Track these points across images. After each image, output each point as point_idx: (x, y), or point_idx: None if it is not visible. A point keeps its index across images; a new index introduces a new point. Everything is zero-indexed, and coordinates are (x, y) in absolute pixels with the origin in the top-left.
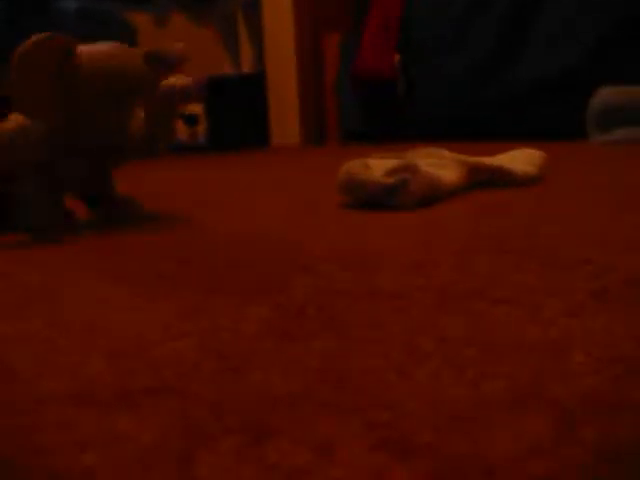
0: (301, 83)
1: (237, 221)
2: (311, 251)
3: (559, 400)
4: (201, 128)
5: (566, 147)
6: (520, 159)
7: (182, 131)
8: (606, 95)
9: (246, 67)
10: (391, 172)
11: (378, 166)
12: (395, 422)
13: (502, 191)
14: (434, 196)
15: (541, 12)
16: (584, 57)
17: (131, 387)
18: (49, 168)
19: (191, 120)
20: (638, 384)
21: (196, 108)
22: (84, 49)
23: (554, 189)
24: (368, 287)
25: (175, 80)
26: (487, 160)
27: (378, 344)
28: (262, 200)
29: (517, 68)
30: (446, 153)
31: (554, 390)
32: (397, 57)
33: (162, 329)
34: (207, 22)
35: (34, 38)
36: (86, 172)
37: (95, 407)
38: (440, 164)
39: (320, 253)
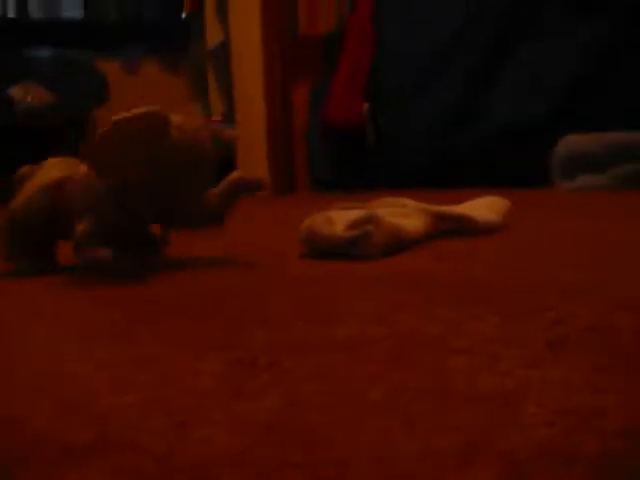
0: (270, 131)
1: (205, 270)
2: (270, 303)
3: (510, 452)
4: None
5: (531, 194)
6: (484, 207)
7: None
8: (570, 142)
9: (216, 115)
10: (353, 224)
11: (340, 218)
12: (341, 479)
13: (465, 239)
14: (397, 245)
15: (507, 62)
16: (550, 106)
17: (77, 442)
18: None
19: None
20: (592, 436)
21: None
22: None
23: (517, 237)
24: (324, 339)
25: (244, 175)
26: (450, 208)
27: (328, 398)
28: (233, 247)
29: (484, 117)
30: (409, 202)
31: (506, 442)
32: (366, 106)
33: (111, 381)
34: (177, 70)
35: (136, 112)
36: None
37: (40, 464)
38: (403, 213)
39: (279, 305)
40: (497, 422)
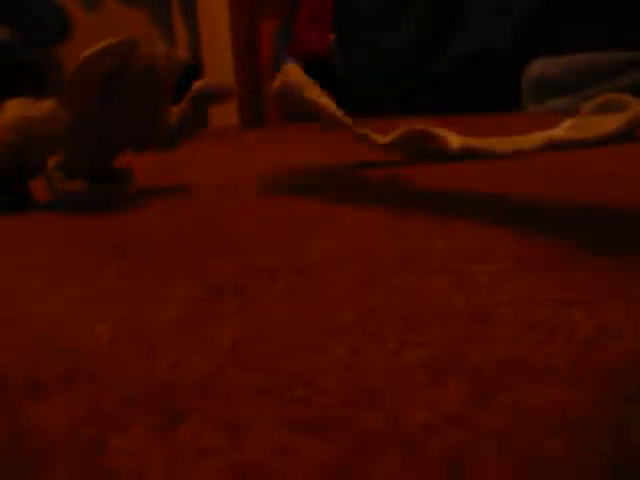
0: (237, 66)
1: (170, 201)
2: (235, 229)
3: (479, 366)
4: None
5: (501, 118)
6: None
7: None
8: (539, 66)
9: (181, 51)
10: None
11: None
12: (309, 399)
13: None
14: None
15: None
16: (517, 30)
17: (41, 376)
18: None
19: None
20: (561, 348)
21: None
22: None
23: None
24: (290, 263)
25: (208, 81)
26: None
27: (295, 321)
28: (197, 177)
29: (452, 44)
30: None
31: (475, 356)
32: (332, 36)
33: (77, 316)
34: (141, 6)
35: (104, 45)
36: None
37: (3, 398)
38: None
39: (243, 231)
40: (466, 337)
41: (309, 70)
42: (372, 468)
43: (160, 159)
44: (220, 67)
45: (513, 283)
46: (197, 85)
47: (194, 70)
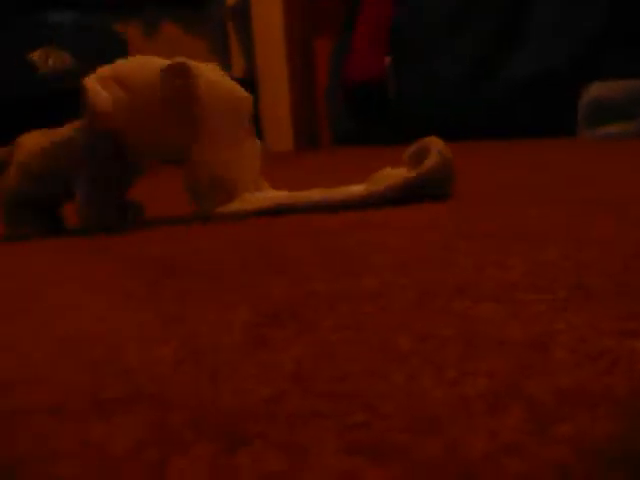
0: (292, 88)
1: (221, 227)
2: (291, 255)
3: (538, 397)
4: None
5: (555, 143)
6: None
7: None
8: (595, 91)
9: (237, 73)
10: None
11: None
12: (370, 424)
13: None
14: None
15: (530, 13)
16: (574, 54)
17: (105, 396)
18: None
19: None
20: (620, 378)
21: None
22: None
23: (538, 184)
24: (347, 290)
25: None
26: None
27: (354, 347)
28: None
29: (507, 68)
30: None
31: (533, 387)
32: (387, 59)
33: (139, 338)
34: (197, 30)
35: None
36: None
37: (69, 417)
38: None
39: (301, 255)
40: (524, 367)
41: (362, 94)
42: None
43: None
44: (275, 90)
45: (570, 312)
46: None
47: (249, 89)
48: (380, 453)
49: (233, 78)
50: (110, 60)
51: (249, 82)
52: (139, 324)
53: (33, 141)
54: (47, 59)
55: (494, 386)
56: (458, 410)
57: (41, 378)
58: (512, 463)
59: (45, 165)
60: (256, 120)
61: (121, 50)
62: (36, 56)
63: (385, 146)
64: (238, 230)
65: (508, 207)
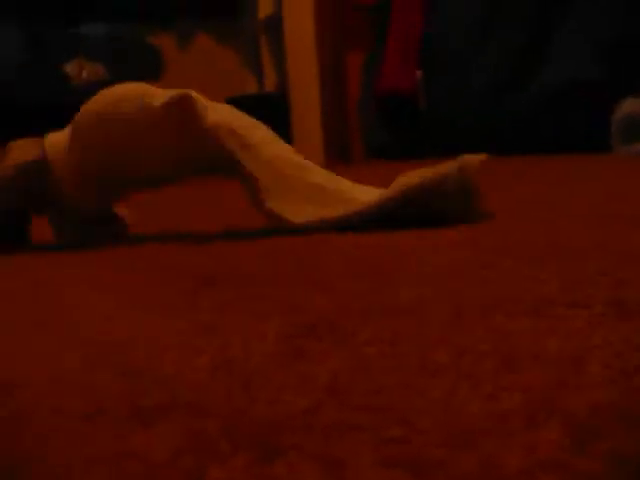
0: (324, 101)
1: (255, 238)
2: (327, 267)
3: (575, 412)
4: None
5: (588, 160)
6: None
7: None
8: (630, 106)
9: (269, 86)
10: None
11: None
12: (407, 439)
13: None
14: None
15: (562, 24)
16: (606, 67)
17: (143, 404)
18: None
19: None
20: None
21: None
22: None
23: (573, 199)
24: (382, 303)
25: None
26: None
27: (390, 360)
28: None
29: (538, 81)
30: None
31: (570, 402)
32: (419, 73)
33: (175, 346)
34: (230, 42)
35: (170, 95)
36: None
37: (106, 424)
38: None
39: (336, 269)
40: (561, 382)
41: (394, 107)
42: None
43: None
44: (307, 103)
45: (607, 328)
46: None
47: (281, 103)
48: (417, 467)
49: (265, 92)
50: (143, 71)
51: (281, 95)
52: (175, 333)
53: (17, 153)
54: (81, 71)
55: (530, 401)
56: (494, 425)
57: (78, 385)
58: (548, 479)
59: (22, 178)
60: (287, 133)
61: (155, 62)
62: (70, 68)
63: (418, 159)
64: (275, 242)
65: (542, 223)
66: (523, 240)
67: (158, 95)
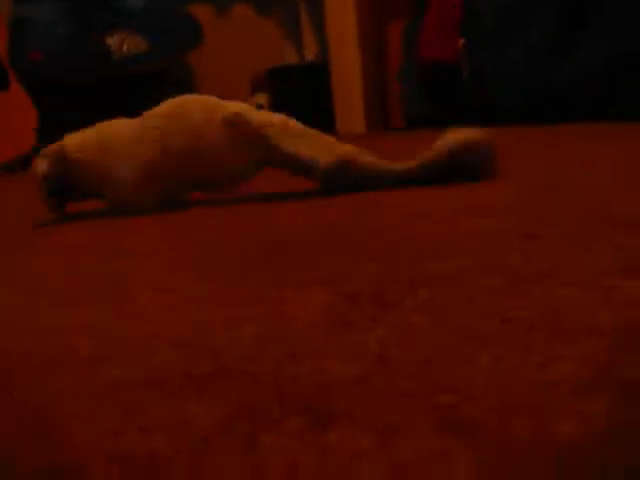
0: (365, 71)
1: (304, 210)
2: (372, 239)
3: (627, 383)
4: None
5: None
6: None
7: None
8: None
9: (309, 56)
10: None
11: None
12: (458, 405)
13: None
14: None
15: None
16: None
17: (195, 372)
18: None
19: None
20: None
21: (261, 99)
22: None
23: (621, 169)
24: (429, 273)
25: None
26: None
27: (439, 329)
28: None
29: (585, 50)
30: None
31: (622, 373)
32: (461, 41)
33: (224, 317)
34: (270, 13)
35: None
36: None
37: (160, 392)
38: None
39: (381, 240)
40: (614, 351)
41: (435, 76)
42: (518, 477)
43: None
44: (347, 70)
45: None
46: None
47: (322, 72)
48: (469, 433)
49: (306, 61)
50: (183, 43)
51: (321, 65)
52: (224, 303)
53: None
54: (122, 44)
55: (582, 370)
56: (544, 393)
57: (132, 354)
58: (600, 449)
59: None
60: (329, 103)
61: (194, 33)
62: (111, 41)
63: (458, 128)
64: (325, 214)
65: (590, 191)
66: (570, 208)
67: (219, 107)
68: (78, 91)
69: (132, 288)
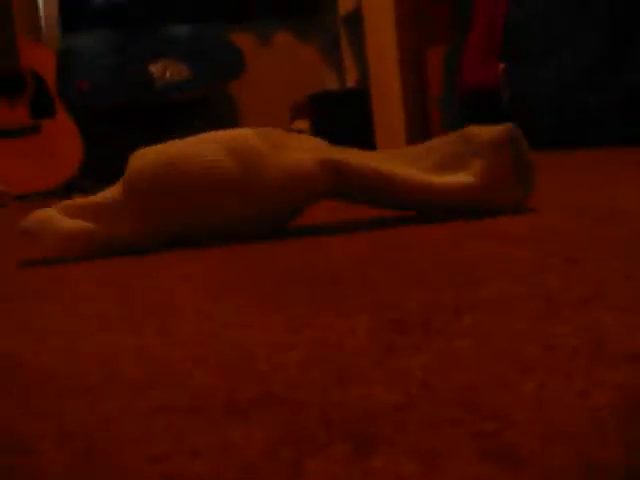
0: (405, 97)
1: (349, 238)
2: (413, 265)
3: None
4: None
5: None
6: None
7: None
8: None
9: (350, 82)
10: None
11: None
12: (502, 433)
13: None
14: None
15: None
16: None
17: (239, 398)
18: None
19: None
20: None
21: (302, 124)
22: None
23: None
24: (471, 299)
25: None
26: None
27: (482, 355)
28: (370, 213)
29: (624, 75)
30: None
31: None
32: (501, 66)
33: (269, 342)
34: (311, 40)
35: None
36: None
37: (205, 417)
38: None
39: (423, 263)
40: None
41: (476, 102)
42: None
43: None
44: (388, 96)
45: None
46: None
47: (363, 97)
48: (513, 461)
49: (347, 87)
50: (225, 70)
51: (362, 91)
52: (268, 328)
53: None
54: (165, 71)
55: (625, 398)
56: (589, 421)
57: (177, 380)
58: None
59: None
60: (370, 128)
61: (237, 61)
62: (154, 68)
63: None
64: (362, 241)
65: (630, 217)
66: (611, 233)
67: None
68: (121, 119)
69: (175, 314)
